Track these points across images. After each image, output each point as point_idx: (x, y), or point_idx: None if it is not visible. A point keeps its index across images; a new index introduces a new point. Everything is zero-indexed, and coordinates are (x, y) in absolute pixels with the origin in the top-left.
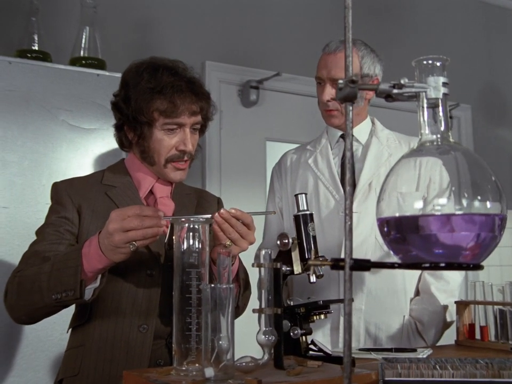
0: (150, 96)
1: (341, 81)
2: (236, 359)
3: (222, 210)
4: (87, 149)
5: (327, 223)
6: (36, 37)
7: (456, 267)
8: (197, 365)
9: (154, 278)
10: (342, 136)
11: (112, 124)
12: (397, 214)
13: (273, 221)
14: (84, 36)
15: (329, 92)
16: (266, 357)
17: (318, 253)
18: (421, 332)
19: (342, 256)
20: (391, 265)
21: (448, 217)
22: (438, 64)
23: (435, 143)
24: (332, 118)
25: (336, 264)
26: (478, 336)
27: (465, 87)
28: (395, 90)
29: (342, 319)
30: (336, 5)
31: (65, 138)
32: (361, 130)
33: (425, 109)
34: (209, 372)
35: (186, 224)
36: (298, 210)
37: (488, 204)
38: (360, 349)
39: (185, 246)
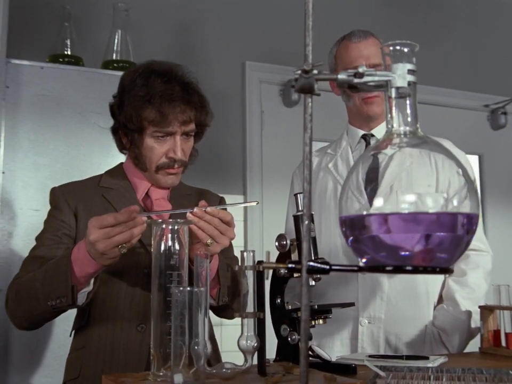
0: (139, 104)
1: (297, 71)
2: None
3: (195, 209)
4: (118, 152)
5: None
6: (68, 42)
7: (421, 271)
8: None
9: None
10: (363, 137)
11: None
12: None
13: (293, 226)
14: (116, 39)
15: None
16: (247, 364)
17: (317, 254)
18: (444, 341)
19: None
20: (351, 269)
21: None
22: (406, 50)
23: (402, 135)
24: (373, 105)
25: (292, 267)
26: (504, 343)
27: None
28: (356, 80)
29: (360, 327)
30: (377, 4)
31: (97, 141)
32: (382, 130)
33: (392, 99)
34: (178, 378)
35: (164, 225)
36: (298, 210)
37: (455, 202)
38: (370, 355)
39: (164, 247)
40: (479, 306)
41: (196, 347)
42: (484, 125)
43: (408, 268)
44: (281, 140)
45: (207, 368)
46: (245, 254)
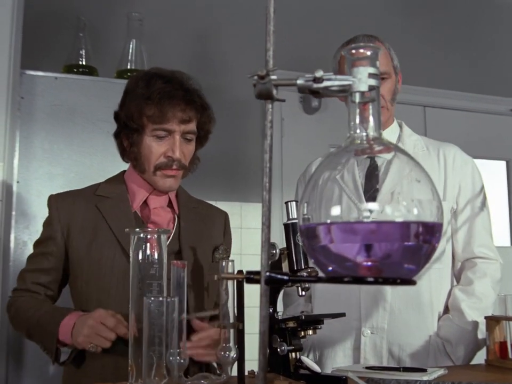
0: (140, 102)
1: (254, 76)
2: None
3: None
4: None
5: None
6: (83, 52)
7: (381, 282)
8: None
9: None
10: None
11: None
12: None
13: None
14: (130, 49)
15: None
16: (225, 375)
17: (308, 263)
18: (449, 353)
19: None
20: (311, 279)
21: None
22: (368, 53)
23: (365, 141)
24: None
25: (250, 277)
26: (511, 355)
27: None
28: (315, 85)
29: (363, 338)
30: (396, 10)
31: (110, 150)
32: (387, 136)
33: (355, 104)
34: None
35: (142, 235)
36: (288, 218)
37: (414, 211)
38: (368, 367)
39: (143, 256)
40: (485, 317)
41: (171, 357)
42: (511, 130)
43: (370, 279)
44: (301, 147)
45: (184, 378)
46: (223, 262)
